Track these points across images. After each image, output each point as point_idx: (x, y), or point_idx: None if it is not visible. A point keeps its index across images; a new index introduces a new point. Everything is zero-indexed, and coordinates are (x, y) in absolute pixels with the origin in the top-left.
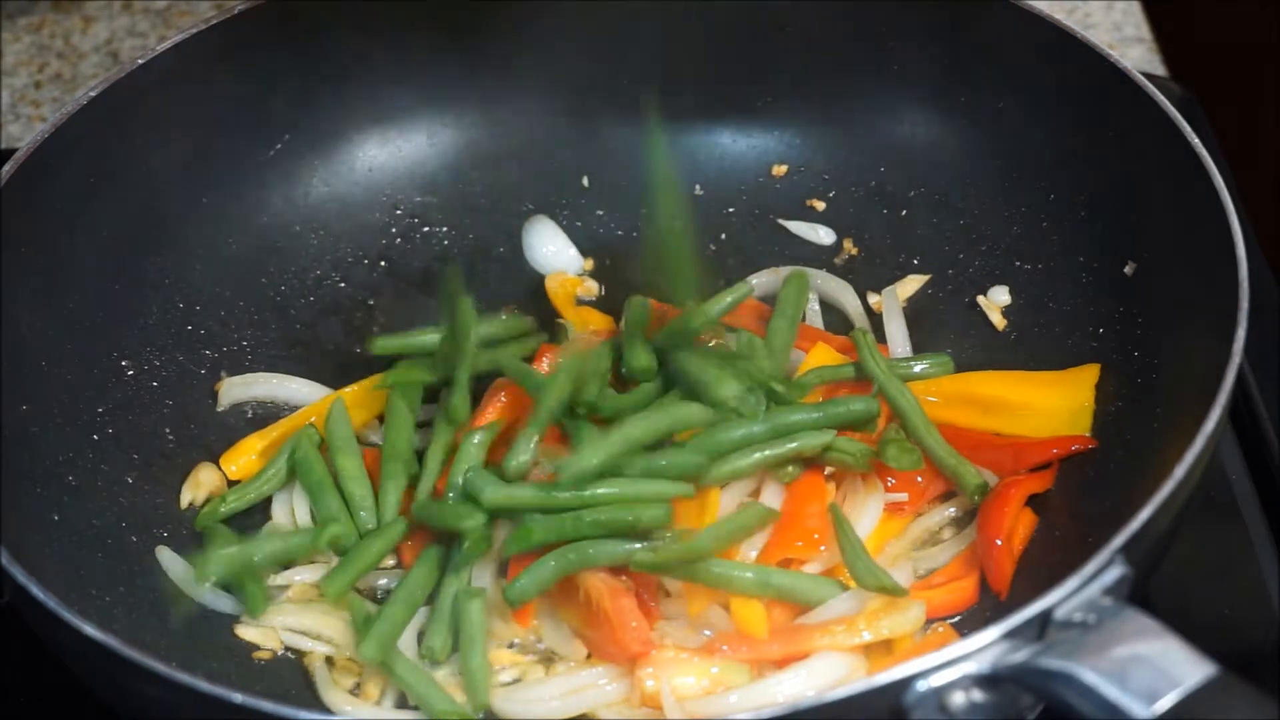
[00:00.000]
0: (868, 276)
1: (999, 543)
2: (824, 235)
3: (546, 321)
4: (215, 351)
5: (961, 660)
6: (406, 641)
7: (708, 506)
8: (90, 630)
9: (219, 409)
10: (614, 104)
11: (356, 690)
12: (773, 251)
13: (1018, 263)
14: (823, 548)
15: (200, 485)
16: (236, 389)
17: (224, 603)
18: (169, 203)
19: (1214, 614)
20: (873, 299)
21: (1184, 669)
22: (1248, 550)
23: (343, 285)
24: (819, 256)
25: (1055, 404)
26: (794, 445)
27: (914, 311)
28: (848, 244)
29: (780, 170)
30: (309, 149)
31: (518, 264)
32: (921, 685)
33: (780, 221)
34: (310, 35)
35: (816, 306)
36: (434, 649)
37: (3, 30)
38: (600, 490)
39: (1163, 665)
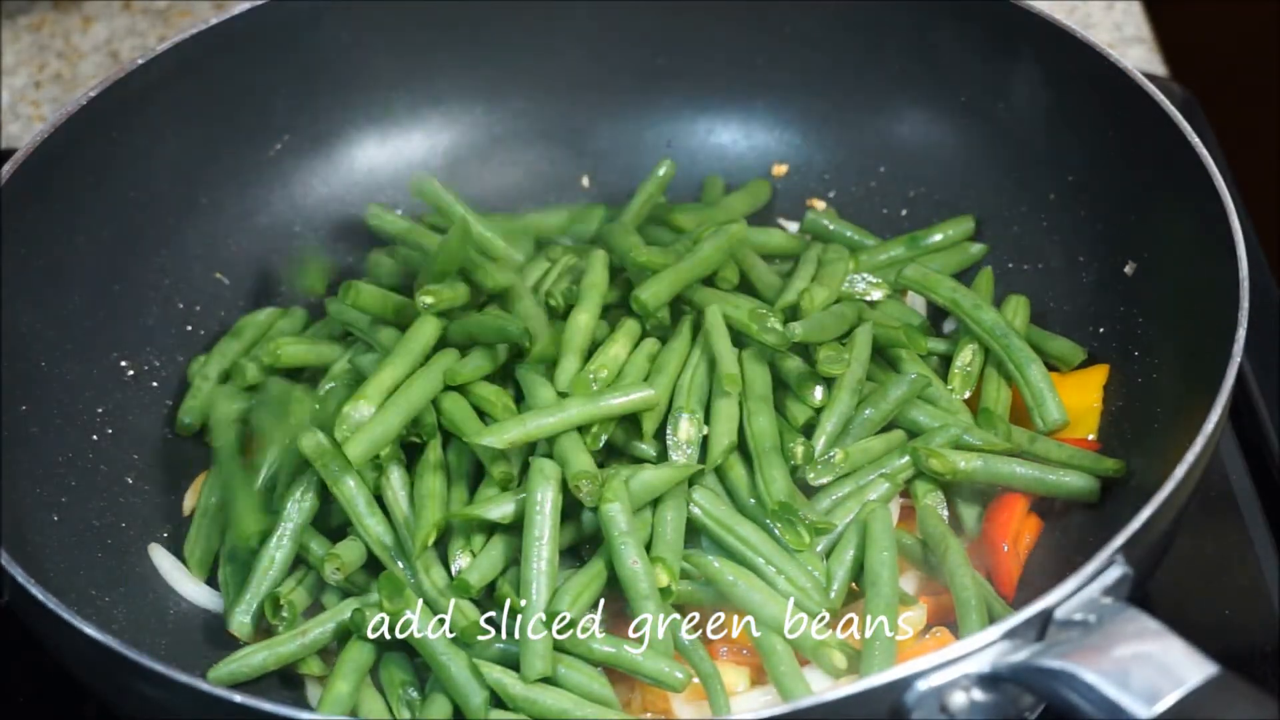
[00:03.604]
0: None
1: (1005, 548)
2: None
3: None
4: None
5: (962, 660)
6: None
7: None
8: (90, 630)
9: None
10: (614, 104)
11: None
12: None
13: (1018, 263)
14: None
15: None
16: None
17: (219, 602)
18: (169, 203)
19: (1214, 614)
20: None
21: (1184, 668)
22: (1248, 550)
23: None
24: None
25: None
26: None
27: None
28: None
29: (780, 170)
30: (308, 149)
31: None
32: (922, 685)
33: (780, 221)
34: (310, 35)
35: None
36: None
37: (3, 30)
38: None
39: (1163, 665)
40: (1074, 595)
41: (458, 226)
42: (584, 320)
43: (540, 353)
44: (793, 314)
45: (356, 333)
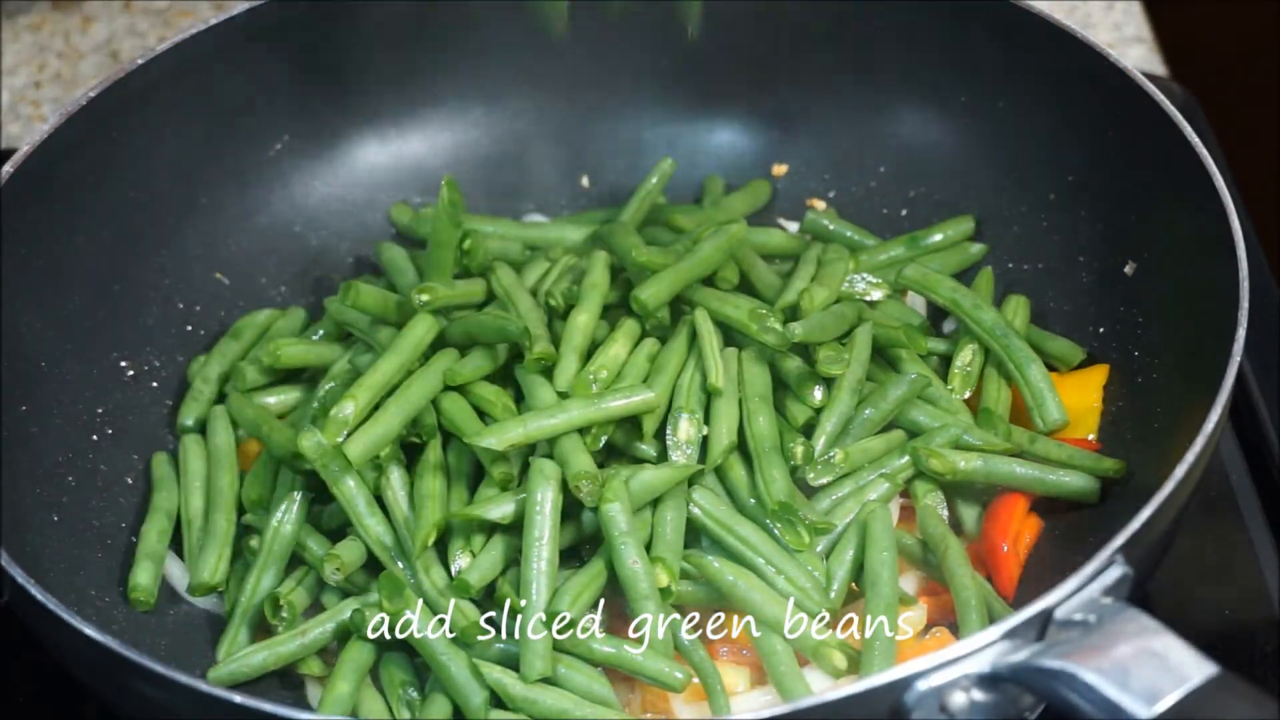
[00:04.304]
0: None
1: (1005, 548)
2: None
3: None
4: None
5: (962, 660)
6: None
7: None
8: (90, 630)
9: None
10: (613, 104)
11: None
12: None
13: (1018, 263)
14: None
15: None
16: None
17: (219, 602)
18: (169, 203)
19: (1214, 614)
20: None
21: (1185, 668)
22: (1248, 550)
23: None
24: None
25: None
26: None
27: None
28: None
29: (780, 170)
30: (308, 150)
31: None
32: (922, 685)
33: (780, 221)
34: (310, 35)
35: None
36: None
37: (3, 30)
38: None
39: (1163, 665)
40: (1074, 595)
41: (444, 201)
42: (584, 320)
43: (540, 353)
44: (793, 314)
45: (356, 333)
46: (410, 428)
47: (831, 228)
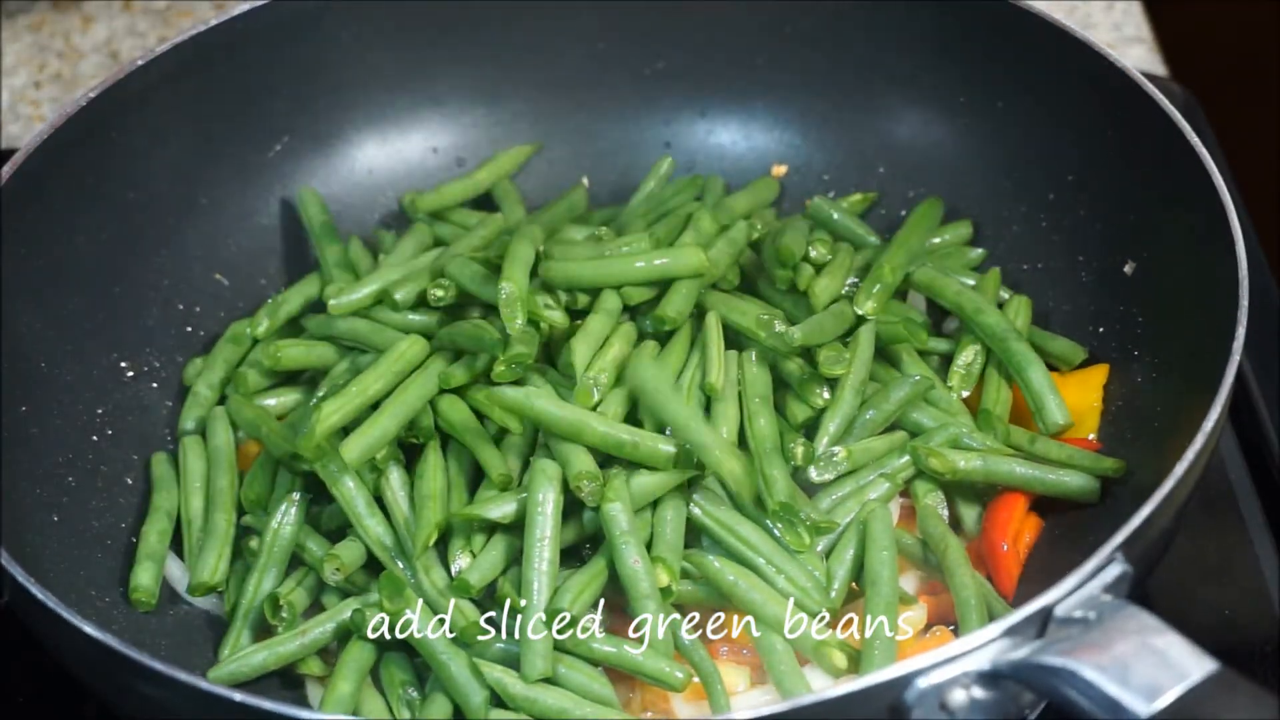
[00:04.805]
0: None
1: (1005, 547)
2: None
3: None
4: None
5: (962, 657)
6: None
7: None
8: (90, 630)
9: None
10: (613, 104)
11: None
12: None
13: (1018, 263)
14: None
15: None
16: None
17: (219, 602)
18: (169, 203)
19: (1214, 614)
20: None
21: (1184, 665)
22: (1248, 550)
23: None
24: None
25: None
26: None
27: None
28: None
29: (780, 170)
30: (308, 150)
31: None
32: (922, 682)
33: None
34: (310, 35)
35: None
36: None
37: (3, 30)
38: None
39: (1163, 661)
40: (1074, 593)
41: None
42: (595, 326)
43: (512, 356)
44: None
45: (345, 342)
46: (408, 430)
47: (836, 217)
